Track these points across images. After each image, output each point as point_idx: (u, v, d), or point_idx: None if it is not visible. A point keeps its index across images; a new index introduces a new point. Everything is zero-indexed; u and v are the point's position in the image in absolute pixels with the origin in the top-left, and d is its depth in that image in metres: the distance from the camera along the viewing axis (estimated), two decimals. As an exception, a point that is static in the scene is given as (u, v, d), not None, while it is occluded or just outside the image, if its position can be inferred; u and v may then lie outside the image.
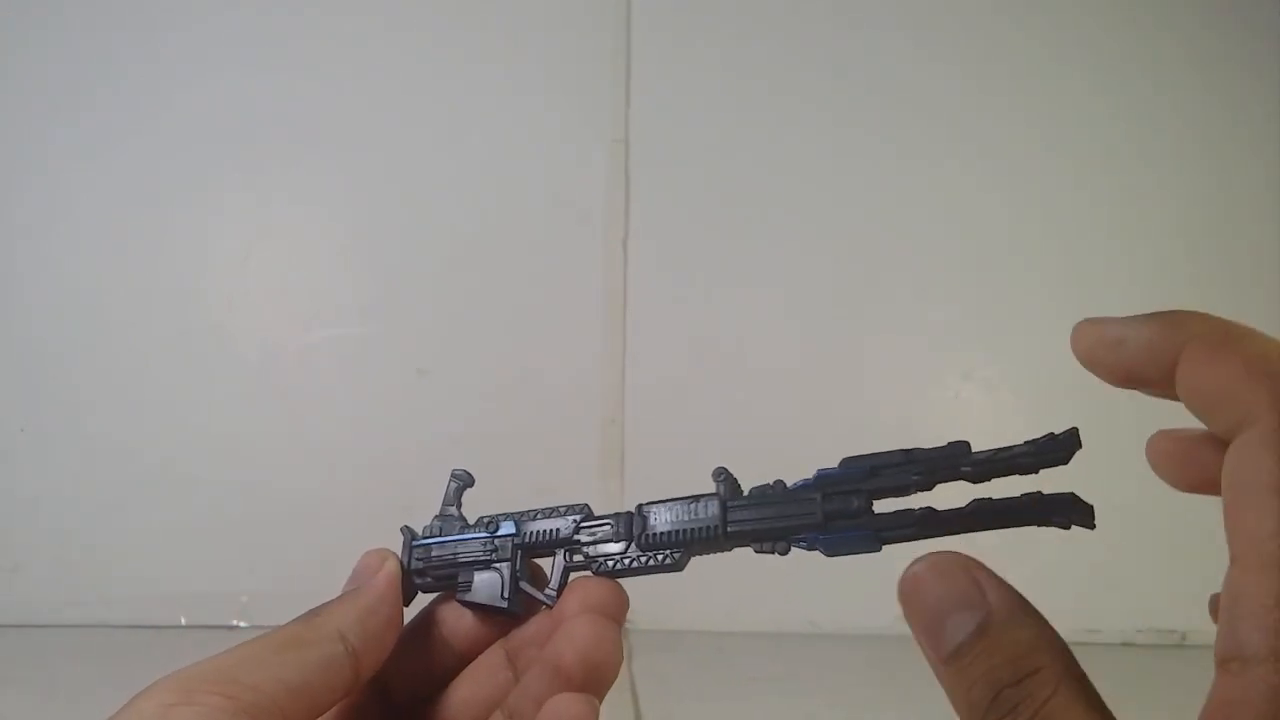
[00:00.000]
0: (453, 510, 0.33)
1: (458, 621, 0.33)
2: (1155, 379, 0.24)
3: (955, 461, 0.27)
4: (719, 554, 0.30)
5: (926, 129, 0.97)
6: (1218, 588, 0.22)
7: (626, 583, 0.31)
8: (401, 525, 0.33)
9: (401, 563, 0.31)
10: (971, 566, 0.23)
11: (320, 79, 0.93)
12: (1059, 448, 0.26)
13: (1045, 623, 0.23)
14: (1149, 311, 0.25)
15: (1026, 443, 0.27)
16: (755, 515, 0.29)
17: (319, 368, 0.91)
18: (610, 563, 0.31)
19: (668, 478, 0.99)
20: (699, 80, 0.96)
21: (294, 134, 0.93)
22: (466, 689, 0.32)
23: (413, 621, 0.32)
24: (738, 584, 0.85)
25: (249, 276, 0.92)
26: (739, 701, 0.75)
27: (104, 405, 0.89)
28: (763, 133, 0.96)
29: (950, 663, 0.23)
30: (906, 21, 0.97)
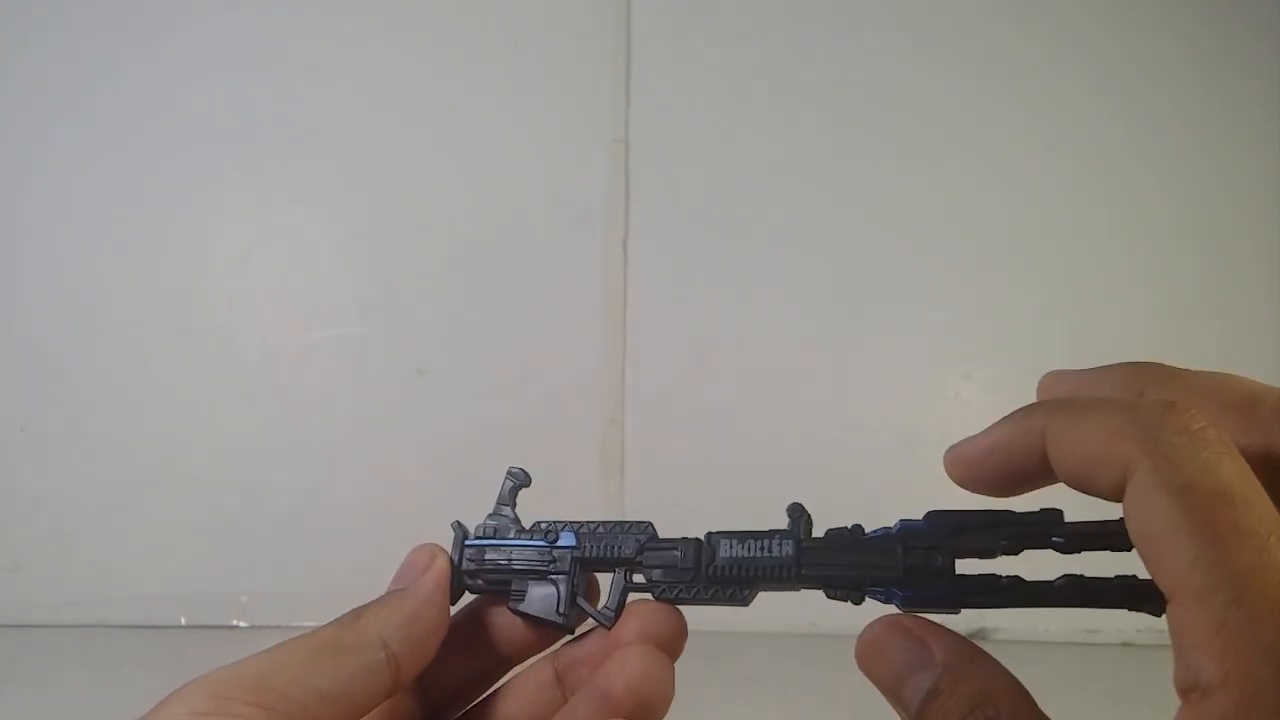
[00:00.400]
0: (507, 511, 0.32)
1: (506, 626, 0.31)
2: (1034, 472, 0.24)
3: (1047, 530, 0.27)
4: (786, 593, 0.30)
5: (927, 129, 0.97)
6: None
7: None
8: (453, 521, 0.32)
9: (451, 560, 0.30)
10: (918, 627, 0.25)
11: (320, 79, 0.93)
12: None
13: (993, 670, 0.24)
14: (1008, 413, 0.25)
15: (1121, 520, 0.26)
16: (832, 560, 0.29)
17: (319, 368, 0.91)
18: (675, 591, 0.30)
19: (668, 478, 1.00)
20: (699, 80, 0.96)
21: (294, 134, 0.93)
22: (513, 705, 0.31)
23: (457, 617, 0.31)
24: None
25: (249, 276, 0.92)
26: (739, 701, 0.75)
27: (104, 405, 0.89)
28: (763, 133, 0.96)
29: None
30: (907, 21, 0.97)
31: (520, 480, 0.32)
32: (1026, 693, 0.23)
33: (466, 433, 0.90)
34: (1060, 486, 0.24)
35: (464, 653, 0.31)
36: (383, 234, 0.93)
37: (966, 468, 0.26)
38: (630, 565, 0.31)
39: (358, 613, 0.28)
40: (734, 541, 0.30)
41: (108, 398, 0.89)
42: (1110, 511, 0.24)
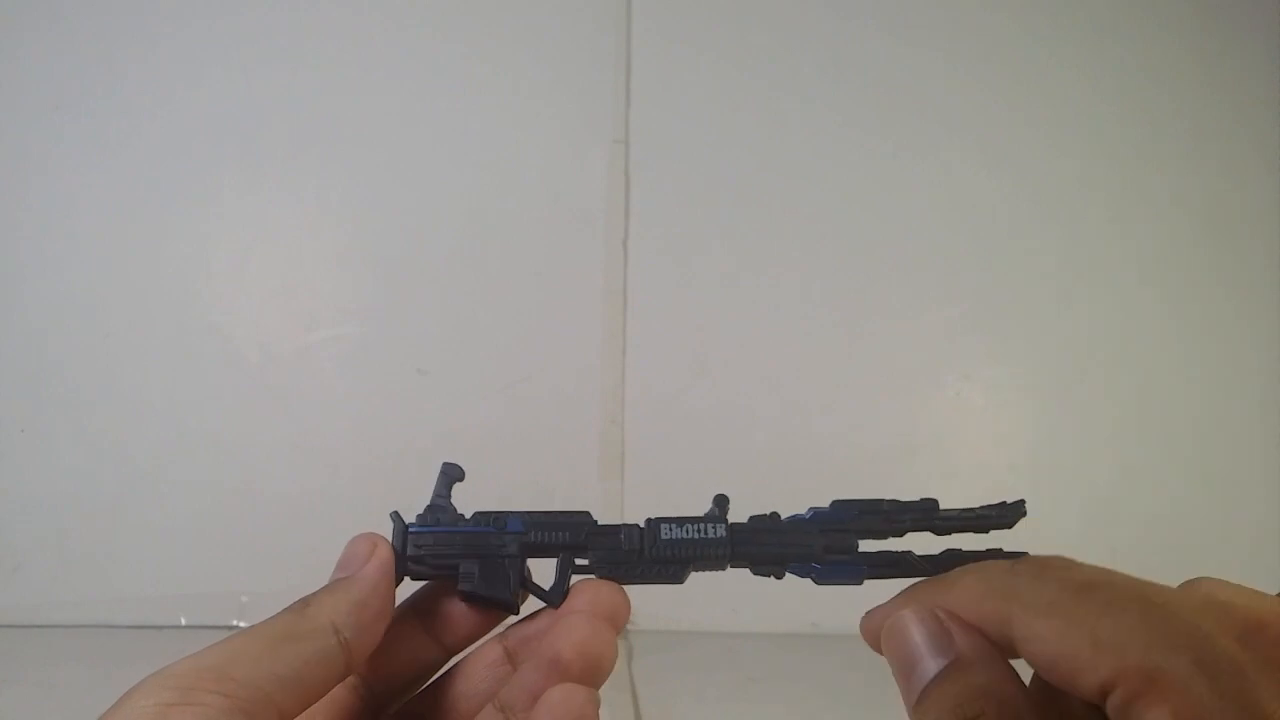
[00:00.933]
0: (443, 503, 0.33)
1: (449, 615, 0.32)
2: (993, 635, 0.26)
3: (929, 515, 0.32)
4: (715, 571, 0.33)
5: (927, 127, 0.97)
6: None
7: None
8: (391, 511, 0.33)
9: (394, 548, 0.31)
10: (948, 619, 0.26)
11: (320, 79, 0.93)
12: (1009, 515, 0.32)
13: (1004, 673, 0.25)
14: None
15: (984, 507, 0.32)
16: (758, 540, 0.33)
17: (319, 368, 0.91)
18: (619, 570, 0.32)
19: (668, 478, 0.99)
20: (699, 80, 0.96)
21: (294, 134, 0.93)
22: (462, 683, 0.32)
23: (399, 610, 0.32)
24: (738, 585, 0.85)
25: (249, 276, 0.92)
26: (739, 702, 0.75)
27: (104, 405, 0.89)
28: (763, 132, 0.96)
29: (918, 701, 0.25)
30: (907, 20, 0.97)
31: (454, 475, 0.34)
32: (1033, 705, 0.24)
33: (467, 433, 0.89)
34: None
35: (407, 643, 0.32)
36: (383, 234, 0.93)
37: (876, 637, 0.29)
38: (575, 549, 0.33)
39: (305, 601, 0.29)
40: (673, 525, 0.33)
41: (108, 398, 0.89)
42: (975, 501, 0.32)
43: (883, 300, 0.95)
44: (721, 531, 0.33)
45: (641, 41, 0.95)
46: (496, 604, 0.32)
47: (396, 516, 0.33)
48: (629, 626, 0.89)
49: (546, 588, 0.32)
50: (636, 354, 0.92)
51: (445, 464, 0.34)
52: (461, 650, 0.33)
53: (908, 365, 0.95)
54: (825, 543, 0.32)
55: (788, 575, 0.33)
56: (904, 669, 0.26)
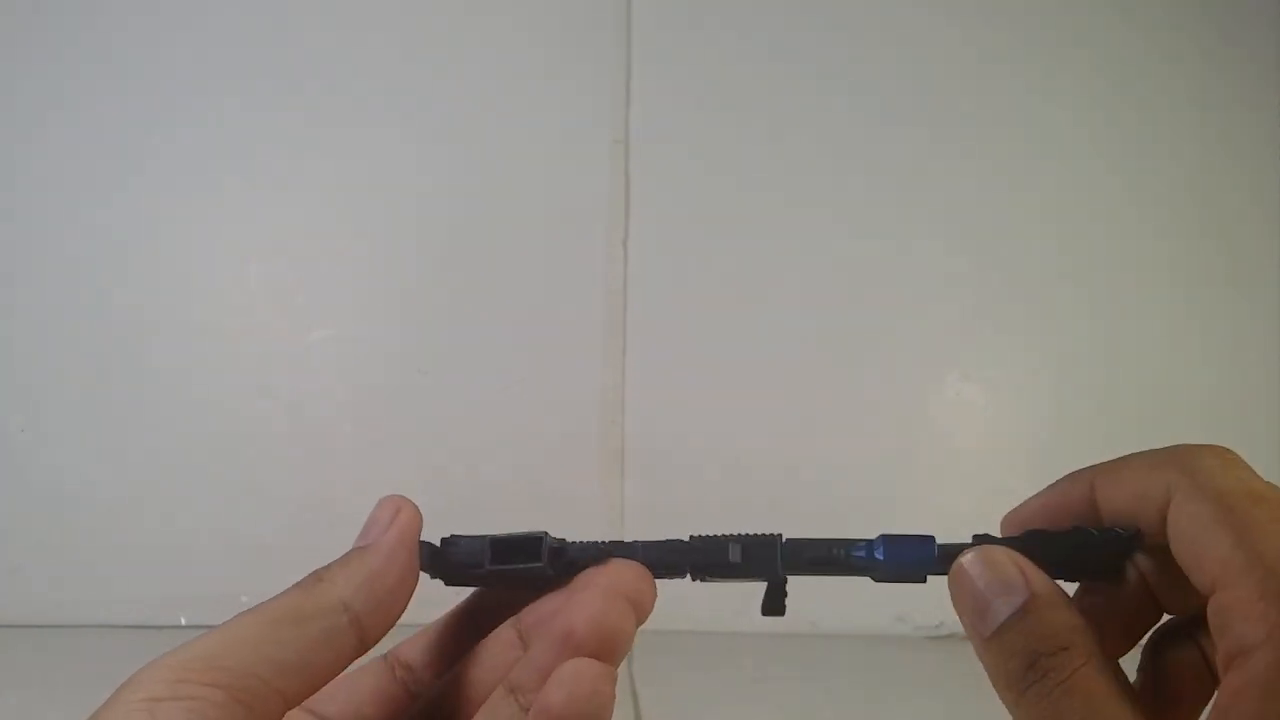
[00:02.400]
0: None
1: (488, 618, 0.31)
2: (1078, 519, 0.28)
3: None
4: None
5: (929, 127, 0.97)
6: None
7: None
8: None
9: (419, 516, 0.30)
10: (1018, 559, 0.26)
11: (320, 79, 0.93)
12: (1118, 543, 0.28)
13: (1075, 620, 0.25)
14: (1055, 480, 0.30)
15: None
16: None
17: (319, 368, 0.91)
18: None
19: (668, 478, 0.99)
20: (699, 80, 0.96)
21: (294, 134, 0.93)
22: (474, 668, 0.31)
23: (448, 619, 0.32)
24: (738, 584, 0.85)
25: (249, 277, 0.92)
26: (739, 702, 0.75)
27: (104, 406, 0.89)
28: (764, 132, 0.96)
29: (993, 639, 0.25)
30: (908, 21, 0.97)
31: None
32: (1101, 649, 0.24)
33: (467, 433, 0.89)
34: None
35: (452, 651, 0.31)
36: (383, 234, 0.93)
37: (1022, 529, 0.29)
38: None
39: (318, 575, 0.27)
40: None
41: (108, 398, 0.89)
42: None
43: (883, 299, 0.95)
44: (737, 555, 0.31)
45: (641, 41, 0.95)
46: (525, 572, 0.29)
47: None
48: (629, 626, 0.89)
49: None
50: (636, 354, 0.92)
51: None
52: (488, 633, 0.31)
53: (907, 365, 0.95)
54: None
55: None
56: (977, 607, 0.26)
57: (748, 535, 0.31)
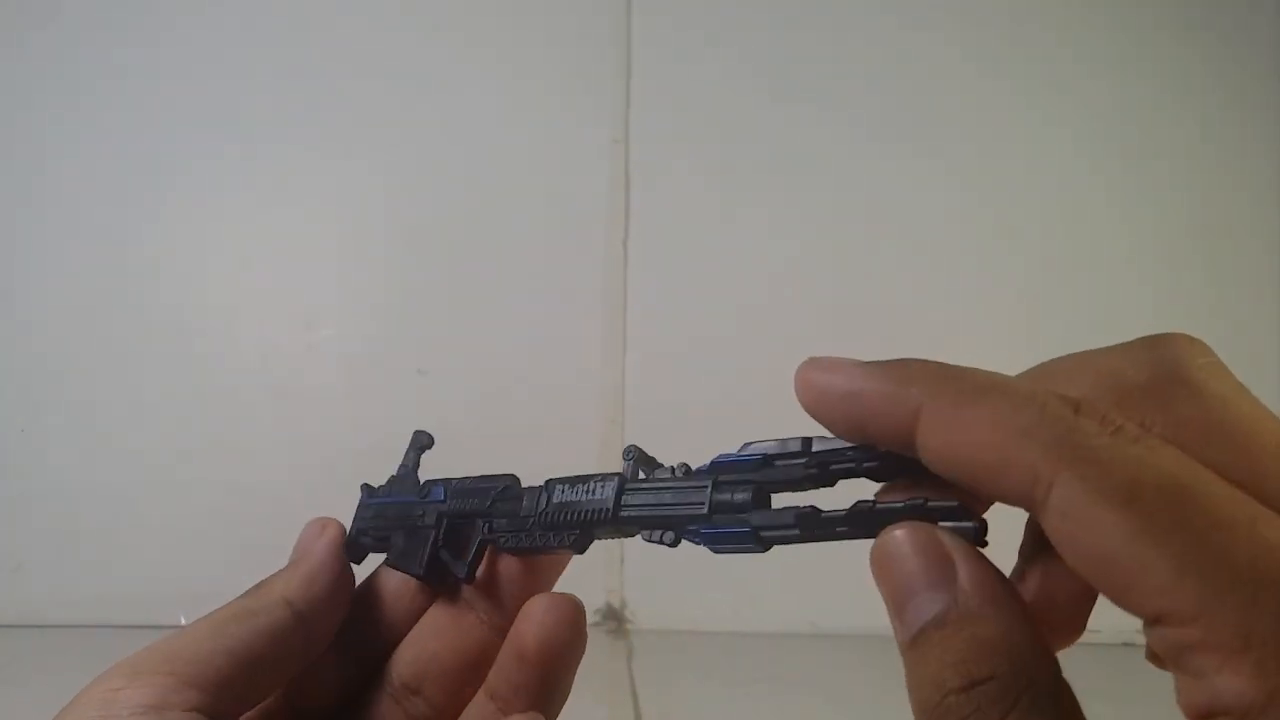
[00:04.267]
0: (406, 472, 0.33)
1: (398, 588, 0.32)
2: (890, 439, 0.21)
3: (859, 455, 0.23)
4: (658, 545, 0.26)
5: (929, 126, 0.97)
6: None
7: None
8: (362, 482, 0.34)
9: (344, 528, 0.32)
10: (949, 542, 0.20)
11: (320, 80, 0.93)
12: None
13: (1022, 622, 0.19)
14: (878, 361, 0.22)
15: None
16: (649, 501, 0.26)
17: (319, 368, 0.91)
18: (512, 539, 0.29)
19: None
20: (699, 80, 0.96)
21: (294, 133, 0.93)
22: (410, 649, 0.31)
23: (359, 587, 0.32)
24: (738, 584, 0.85)
25: (249, 277, 0.92)
26: (739, 701, 0.75)
27: (104, 405, 0.89)
28: (763, 132, 0.96)
29: (910, 649, 0.20)
30: (908, 19, 0.97)
31: (424, 443, 0.34)
32: (1049, 659, 0.19)
33: (466, 433, 0.89)
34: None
35: (365, 620, 0.32)
36: (383, 234, 0.93)
37: (817, 398, 0.22)
38: (485, 516, 0.30)
39: (261, 583, 0.30)
40: (566, 486, 0.28)
41: (108, 398, 0.89)
42: None
43: (881, 296, 0.95)
44: (609, 489, 0.27)
45: (641, 41, 0.95)
46: (413, 576, 0.30)
47: (365, 488, 0.33)
48: (629, 626, 0.89)
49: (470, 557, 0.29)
50: (636, 354, 0.92)
51: (417, 431, 0.34)
52: (407, 628, 0.31)
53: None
54: (717, 498, 0.24)
55: (686, 543, 0.25)
56: (896, 602, 0.20)
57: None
